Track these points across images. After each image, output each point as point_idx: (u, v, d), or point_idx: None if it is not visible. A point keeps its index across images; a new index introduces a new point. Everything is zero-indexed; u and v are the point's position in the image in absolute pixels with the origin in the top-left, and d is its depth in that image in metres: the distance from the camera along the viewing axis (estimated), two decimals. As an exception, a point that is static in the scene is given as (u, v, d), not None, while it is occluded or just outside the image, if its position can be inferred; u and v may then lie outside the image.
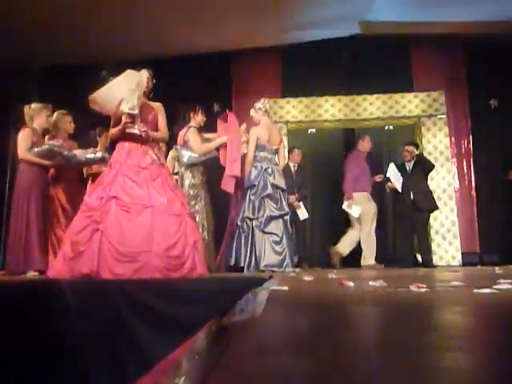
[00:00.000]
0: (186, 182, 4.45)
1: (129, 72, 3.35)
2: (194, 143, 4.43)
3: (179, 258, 3.10)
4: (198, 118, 4.57)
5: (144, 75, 3.47)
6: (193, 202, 4.38)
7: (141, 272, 2.89)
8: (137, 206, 3.07)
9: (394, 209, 6.04)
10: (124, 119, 3.30)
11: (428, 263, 5.61)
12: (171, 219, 3.16)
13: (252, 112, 4.87)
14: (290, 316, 1.26)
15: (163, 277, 2.94)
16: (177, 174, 4.93)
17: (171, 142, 4.46)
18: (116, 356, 2.16)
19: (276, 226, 4.48)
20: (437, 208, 5.96)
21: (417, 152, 5.90)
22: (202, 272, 3.21)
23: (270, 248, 4.38)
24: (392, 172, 5.80)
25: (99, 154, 4.49)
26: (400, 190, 5.74)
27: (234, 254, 4.43)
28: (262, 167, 4.61)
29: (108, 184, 3.15)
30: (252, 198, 4.51)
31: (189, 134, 4.47)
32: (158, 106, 3.57)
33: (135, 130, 3.29)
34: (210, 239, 4.50)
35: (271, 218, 4.47)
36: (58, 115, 4.58)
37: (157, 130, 3.48)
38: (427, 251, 5.82)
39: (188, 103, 4.66)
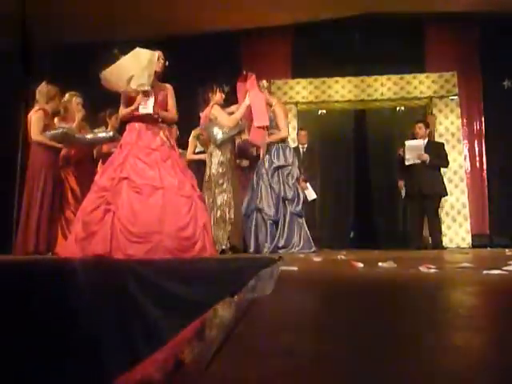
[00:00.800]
0: (215, 160, 4.43)
1: (138, 50, 3.33)
2: (221, 118, 4.42)
3: (190, 239, 3.13)
4: (216, 97, 4.55)
5: (155, 55, 3.44)
6: (221, 181, 4.38)
7: (152, 252, 2.92)
8: (148, 187, 3.09)
9: (406, 190, 5.98)
10: (138, 100, 3.30)
11: (437, 245, 5.60)
12: (182, 201, 3.18)
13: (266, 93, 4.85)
14: (300, 295, 1.27)
15: (174, 257, 2.97)
16: (199, 153, 4.96)
17: (185, 122, 4.47)
18: (127, 333, 2.19)
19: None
20: (446, 194, 5.88)
21: (426, 130, 5.78)
22: (212, 252, 3.24)
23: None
24: (409, 146, 5.70)
25: (110, 133, 4.50)
26: (413, 162, 5.62)
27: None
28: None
29: (119, 165, 3.16)
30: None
31: (213, 111, 4.46)
32: (167, 87, 3.57)
33: (148, 110, 3.29)
34: (238, 219, 4.47)
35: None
36: (69, 97, 4.58)
37: (166, 110, 3.48)
38: (437, 233, 5.80)
39: (206, 84, 4.66)
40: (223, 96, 4.64)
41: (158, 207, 3.07)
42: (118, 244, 2.92)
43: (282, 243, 4.38)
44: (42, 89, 4.36)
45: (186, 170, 3.50)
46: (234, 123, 4.43)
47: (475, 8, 6.61)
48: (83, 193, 4.36)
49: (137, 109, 3.31)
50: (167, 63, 3.58)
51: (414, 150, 5.64)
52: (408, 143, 5.70)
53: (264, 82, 4.83)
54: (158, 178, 3.15)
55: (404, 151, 5.70)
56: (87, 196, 3.24)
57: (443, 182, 5.82)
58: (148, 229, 2.98)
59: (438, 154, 5.67)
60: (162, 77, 3.60)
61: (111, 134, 4.50)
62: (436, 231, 5.76)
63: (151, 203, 3.07)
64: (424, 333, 0.71)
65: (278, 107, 4.73)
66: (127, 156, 3.21)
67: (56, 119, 4.49)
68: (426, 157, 5.58)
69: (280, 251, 4.29)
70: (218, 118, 4.43)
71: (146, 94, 3.29)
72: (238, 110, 4.54)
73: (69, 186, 4.46)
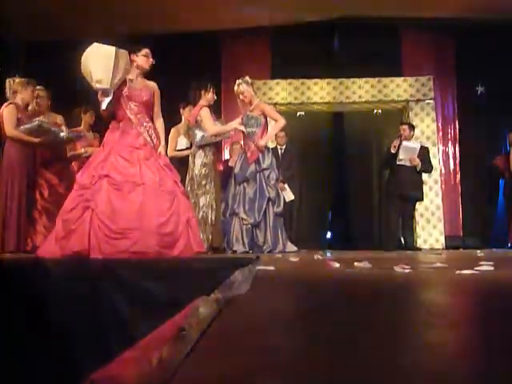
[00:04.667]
0: (198, 161, 4.41)
1: (96, 45, 3.23)
2: (206, 123, 4.38)
3: (171, 234, 3.09)
4: (208, 96, 4.48)
5: (113, 50, 3.21)
6: (203, 182, 4.36)
7: (133, 249, 2.88)
8: (128, 184, 3.05)
9: (386, 190, 5.99)
10: (99, 96, 3.22)
11: (411, 246, 5.68)
12: (163, 197, 3.14)
13: (244, 87, 4.57)
14: (276, 294, 1.27)
15: (156, 254, 2.93)
16: (180, 150, 4.93)
17: (164, 120, 4.43)
18: (100, 332, 2.16)
19: None
20: (423, 199, 5.94)
21: (410, 132, 5.72)
22: (198, 249, 3.22)
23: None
24: (405, 147, 5.57)
25: (72, 134, 4.43)
26: (409, 164, 5.53)
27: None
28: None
29: (100, 162, 3.11)
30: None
31: (202, 113, 4.42)
32: (153, 86, 3.51)
33: (102, 107, 3.21)
34: (218, 219, 4.45)
35: None
36: (38, 92, 4.50)
37: (151, 110, 3.44)
38: (411, 235, 5.88)
39: (201, 81, 4.61)
40: (215, 97, 4.58)
41: (137, 203, 3.02)
42: (97, 241, 2.87)
43: (268, 245, 4.35)
44: (7, 83, 4.27)
45: (168, 166, 3.43)
46: (215, 133, 4.41)
47: (451, 14, 6.74)
48: (53, 191, 4.30)
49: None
50: (153, 61, 3.51)
51: (408, 152, 5.56)
52: (405, 143, 5.58)
53: (247, 78, 4.70)
54: (138, 175, 3.11)
55: (398, 150, 5.56)
56: (69, 195, 3.18)
57: (422, 187, 5.88)
58: (128, 225, 2.94)
59: (423, 159, 5.65)
60: (144, 74, 3.53)
61: (72, 134, 4.42)
62: (410, 233, 5.85)
63: (131, 199, 3.02)
64: (398, 330, 0.72)
65: (262, 105, 4.68)
66: (109, 154, 3.15)
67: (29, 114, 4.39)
68: (418, 162, 5.55)
69: (266, 253, 4.25)
70: (203, 122, 4.40)
71: (104, 91, 3.19)
72: (226, 126, 4.50)
73: (37, 184, 4.37)
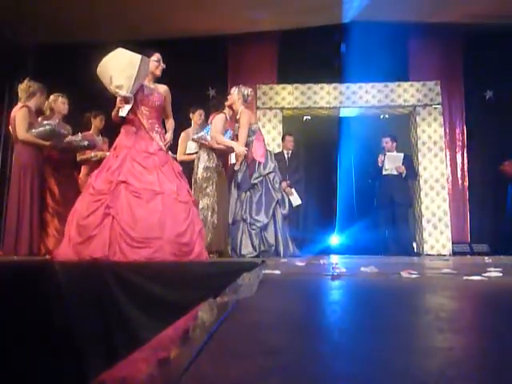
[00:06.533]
0: (201, 165, 4.43)
1: (120, 50, 3.21)
2: (214, 127, 4.38)
3: (188, 244, 3.11)
4: (236, 106, 4.48)
5: (139, 57, 3.21)
6: (205, 185, 4.37)
7: (153, 258, 2.88)
8: (147, 192, 3.05)
9: (377, 199, 6.16)
10: (118, 102, 3.22)
11: (409, 252, 5.79)
12: (180, 206, 3.16)
13: (232, 90, 4.52)
14: (282, 297, 1.27)
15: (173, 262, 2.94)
16: (189, 154, 4.95)
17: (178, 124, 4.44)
18: (107, 335, 2.17)
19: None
20: (411, 205, 6.26)
21: (392, 144, 6.05)
22: (206, 257, 3.26)
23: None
24: (390, 157, 6.01)
25: (85, 142, 4.45)
26: (395, 172, 5.95)
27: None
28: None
29: (116, 168, 3.10)
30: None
31: (217, 117, 4.44)
32: (165, 90, 3.49)
33: (122, 114, 3.20)
34: (221, 223, 4.42)
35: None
36: (54, 97, 4.52)
37: (161, 115, 3.45)
38: (407, 240, 6.08)
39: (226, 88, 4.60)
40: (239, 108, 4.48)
41: (158, 212, 3.03)
42: (118, 249, 2.86)
43: (278, 247, 4.33)
44: (24, 86, 4.29)
45: (181, 175, 3.46)
46: (216, 141, 4.39)
47: (459, 20, 6.74)
48: (62, 195, 4.31)
49: (118, 112, 3.23)
50: (164, 66, 3.49)
51: (393, 161, 5.96)
52: (389, 154, 6.00)
53: (244, 87, 4.56)
54: (156, 183, 3.12)
55: (384, 160, 5.96)
56: (80, 199, 3.15)
57: (410, 193, 6.24)
58: (149, 234, 2.94)
59: (408, 167, 6.01)
60: (155, 79, 3.52)
61: (86, 142, 4.44)
62: (406, 238, 6.00)
63: (151, 208, 3.02)
64: (407, 334, 0.72)
65: (244, 114, 4.46)
66: (124, 159, 3.14)
67: (40, 119, 4.41)
68: (403, 169, 5.93)
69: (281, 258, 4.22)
70: (212, 125, 4.39)
71: (125, 98, 3.16)
72: (229, 142, 4.44)
73: (48, 187, 4.39)
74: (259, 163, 4.44)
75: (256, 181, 4.42)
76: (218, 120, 4.43)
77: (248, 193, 4.45)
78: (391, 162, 5.95)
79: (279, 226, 4.39)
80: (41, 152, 4.23)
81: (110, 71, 3.14)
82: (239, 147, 4.35)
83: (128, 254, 2.86)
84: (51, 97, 4.51)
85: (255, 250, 4.27)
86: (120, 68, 3.14)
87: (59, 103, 4.53)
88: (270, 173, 4.47)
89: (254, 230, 4.33)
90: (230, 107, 4.54)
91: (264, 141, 4.68)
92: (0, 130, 6.34)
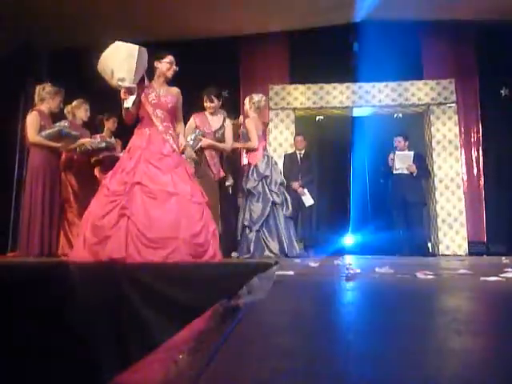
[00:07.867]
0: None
1: (118, 43, 3.23)
2: (227, 133, 4.42)
3: (203, 245, 3.13)
4: (260, 109, 4.64)
5: (136, 48, 3.17)
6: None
7: (169, 259, 2.90)
8: (163, 193, 3.07)
9: (390, 199, 6.11)
10: (122, 94, 3.22)
11: (424, 253, 5.73)
12: (195, 207, 3.18)
13: (247, 106, 4.72)
14: (296, 298, 1.26)
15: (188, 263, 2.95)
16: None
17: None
18: (121, 338, 2.18)
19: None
20: (425, 204, 6.15)
21: (404, 143, 5.98)
22: (220, 258, 3.26)
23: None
24: (399, 156, 5.93)
25: (103, 143, 4.49)
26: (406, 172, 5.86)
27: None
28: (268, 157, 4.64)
29: (131, 169, 3.11)
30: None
31: (247, 124, 4.55)
32: (177, 92, 3.50)
33: (127, 105, 3.20)
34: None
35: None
36: (78, 104, 4.58)
37: (174, 118, 3.46)
38: (422, 240, 6.01)
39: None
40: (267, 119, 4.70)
41: (173, 213, 3.04)
42: (135, 248, 2.88)
43: (282, 248, 4.34)
44: (38, 89, 4.35)
45: (194, 176, 3.49)
46: (226, 145, 4.42)
47: (472, 16, 6.66)
48: (85, 195, 4.35)
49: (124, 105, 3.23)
50: (177, 69, 3.49)
51: (403, 160, 5.86)
52: (398, 153, 5.92)
53: (258, 96, 4.74)
54: (171, 184, 3.13)
55: (394, 160, 5.88)
56: (95, 200, 3.18)
57: (423, 192, 6.10)
58: (164, 234, 2.96)
59: (419, 166, 5.90)
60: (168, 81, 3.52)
61: (103, 144, 4.48)
62: (421, 238, 5.93)
63: (167, 209, 3.04)
64: (423, 336, 0.71)
65: (250, 123, 4.63)
66: (138, 161, 3.16)
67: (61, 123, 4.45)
68: (414, 168, 5.82)
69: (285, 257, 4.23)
70: (227, 131, 4.41)
71: (128, 89, 3.17)
72: (230, 144, 4.48)
73: (71, 188, 4.44)
74: (255, 167, 4.48)
75: (250, 186, 4.45)
76: (252, 123, 4.53)
77: (245, 198, 4.49)
78: (401, 161, 5.87)
79: (281, 228, 4.39)
80: (54, 154, 4.28)
81: (110, 65, 3.16)
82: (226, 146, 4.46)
83: (145, 254, 2.87)
84: (74, 102, 4.57)
85: (260, 253, 4.29)
86: (120, 61, 3.14)
87: (82, 109, 4.59)
88: (265, 176, 4.49)
89: (253, 232, 4.35)
90: (246, 116, 4.71)
91: (265, 146, 4.75)
92: (16, 133, 6.43)
